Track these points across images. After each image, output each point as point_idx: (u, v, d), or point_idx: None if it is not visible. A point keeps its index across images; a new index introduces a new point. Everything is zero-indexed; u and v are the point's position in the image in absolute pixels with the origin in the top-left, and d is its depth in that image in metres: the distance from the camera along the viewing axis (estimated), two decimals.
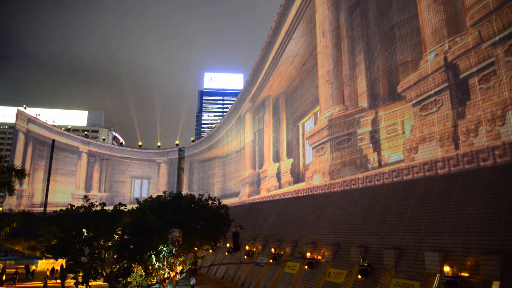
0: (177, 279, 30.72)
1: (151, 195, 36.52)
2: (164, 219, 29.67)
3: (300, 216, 38.94)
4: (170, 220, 29.56)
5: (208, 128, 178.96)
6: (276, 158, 51.23)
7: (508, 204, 18.31)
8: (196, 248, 32.22)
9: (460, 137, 22.69)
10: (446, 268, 17.81)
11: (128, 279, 29.21)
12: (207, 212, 32.97)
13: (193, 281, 37.22)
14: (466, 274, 17.59)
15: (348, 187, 33.08)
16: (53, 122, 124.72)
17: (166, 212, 30.53)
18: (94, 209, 31.15)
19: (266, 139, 55.76)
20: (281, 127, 50.98)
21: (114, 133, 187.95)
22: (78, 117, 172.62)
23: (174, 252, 28.68)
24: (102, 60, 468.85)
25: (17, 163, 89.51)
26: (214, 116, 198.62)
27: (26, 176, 36.20)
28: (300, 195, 42.24)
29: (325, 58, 39.51)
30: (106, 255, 31.87)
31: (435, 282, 19.17)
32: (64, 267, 31.18)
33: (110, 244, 30.83)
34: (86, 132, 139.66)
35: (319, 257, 29.26)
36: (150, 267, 28.56)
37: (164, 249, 28.43)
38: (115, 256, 29.50)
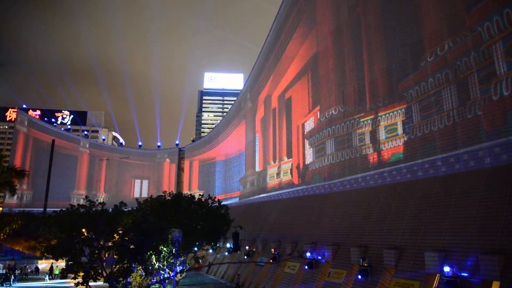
0: (177, 279, 30.74)
1: (151, 195, 36.56)
2: (164, 219, 29.71)
3: (300, 216, 38.95)
4: (170, 220, 29.59)
5: (208, 128, 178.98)
6: (276, 158, 51.24)
7: (508, 204, 18.31)
8: (196, 248, 32.27)
9: (460, 137, 22.70)
10: (446, 268, 17.81)
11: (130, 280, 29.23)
12: (207, 212, 33.03)
13: (237, 279, 38.07)
14: (466, 274, 17.59)
15: (348, 187, 33.10)
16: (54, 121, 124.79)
17: (166, 212, 30.57)
18: (94, 209, 31.21)
19: (266, 139, 55.79)
20: (281, 127, 51.00)
21: (114, 133, 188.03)
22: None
23: (174, 252, 28.76)
24: (102, 61, 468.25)
25: (18, 163, 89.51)
26: (214, 116, 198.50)
27: (26, 176, 36.21)
28: (300, 195, 42.25)
29: (325, 58, 39.53)
30: (106, 255, 31.87)
31: (435, 282, 19.18)
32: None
33: (110, 244, 30.86)
34: (86, 132, 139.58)
35: (319, 257, 29.28)
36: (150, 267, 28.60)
37: (164, 249, 28.46)
38: (115, 256, 29.53)
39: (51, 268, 48.33)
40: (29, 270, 51.13)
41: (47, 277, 46.28)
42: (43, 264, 54.17)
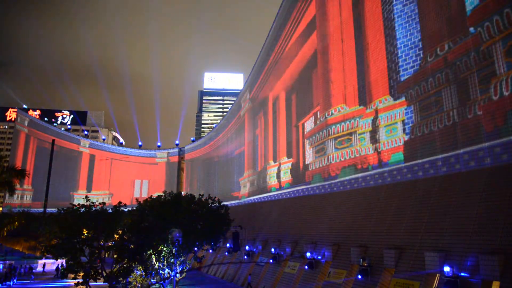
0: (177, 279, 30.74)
1: (151, 195, 36.55)
2: (164, 219, 29.70)
3: (300, 216, 38.95)
4: (170, 220, 29.59)
5: (208, 128, 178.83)
6: (276, 158, 51.24)
7: (508, 204, 18.32)
8: (196, 248, 32.27)
9: (460, 137, 22.70)
10: (446, 268, 17.81)
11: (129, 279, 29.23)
12: (207, 212, 33.02)
13: (249, 278, 37.93)
14: (466, 274, 17.59)
15: (348, 187, 33.09)
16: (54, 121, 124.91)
17: (166, 212, 30.55)
18: (94, 209, 31.22)
19: (266, 139, 55.77)
20: (281, 127, 50.99)
21: (114, 133, 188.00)
22: None
23: (174, 252, 28.76)
24: (102, 61, 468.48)
25: (18, 163, 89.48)
26: (214, 116, 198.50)
27: (27, 176, 36.27)
28: (300, 195, 42.25)
29: (325, 58, 39.52)
30: (106, 255, 31.91)
31: (435, 282, 19.18)
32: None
33: (110, 244, 30.87)
34: (86, 132, 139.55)
35: (319, 257, 29.27)
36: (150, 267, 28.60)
37: (164, 249, 28.47)
38: (115, 256, 29.56)
39: (57, 268, 48.55)
40: (24, 269, 50.91)
41: (32, 277, 46.55)
42: (41, 263, 54.20)
